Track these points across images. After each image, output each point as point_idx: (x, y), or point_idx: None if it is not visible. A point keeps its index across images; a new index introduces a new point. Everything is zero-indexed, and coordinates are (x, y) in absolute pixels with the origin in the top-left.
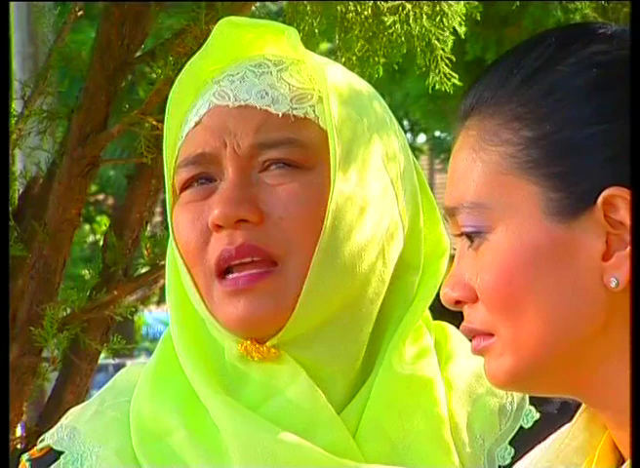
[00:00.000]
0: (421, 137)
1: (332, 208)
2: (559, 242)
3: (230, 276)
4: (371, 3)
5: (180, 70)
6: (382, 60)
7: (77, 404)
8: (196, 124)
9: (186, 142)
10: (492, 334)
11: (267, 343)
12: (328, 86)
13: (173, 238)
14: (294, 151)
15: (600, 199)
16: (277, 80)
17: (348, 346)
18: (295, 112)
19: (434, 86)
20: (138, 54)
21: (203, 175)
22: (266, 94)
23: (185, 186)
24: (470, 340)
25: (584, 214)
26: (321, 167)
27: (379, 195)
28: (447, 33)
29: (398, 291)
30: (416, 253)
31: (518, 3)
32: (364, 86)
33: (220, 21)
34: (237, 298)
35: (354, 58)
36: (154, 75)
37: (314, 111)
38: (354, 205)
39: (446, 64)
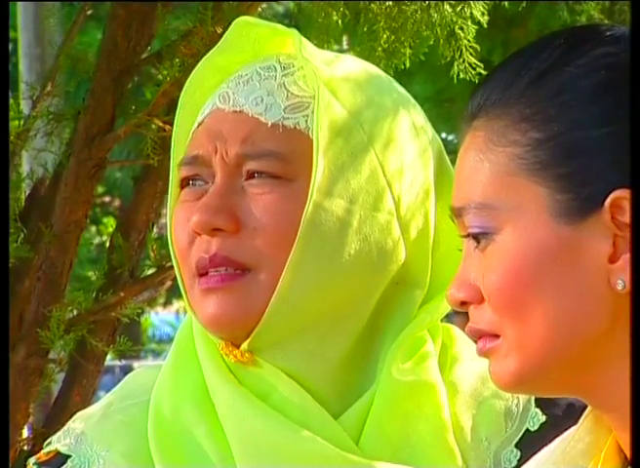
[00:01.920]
0: None
1: (306, 220)
2: (566, 243)
3: (206, 276)
4: None
5: (186, 72)
6: (409, 52)
7: (84, 405)
8: (199, 124)
9: (190, 141)
10: (497, 336)
11: (240, 347)
12: (324, 95)
13: (170, 234)
14: (275, 164)
15: (607, 201)
16: (277, 86)
17: (328, 355)
18: (285, 122)
19: (458, 75)
20: (144, 55)
21: (197, 177)
22: (262, 101)
23: (184, 185)
24: (475, 342)
25: (592, 215)
26: (306, 178)
27: (370, 207)
28: (469, 22)
29: (396, 301)
30: (420, 265)
31: (524, 4)
32: (381, 72)
33: (236, 20)
34: (209, 297)
35: (380, 49)
36: (161, 77)
37: (306, 121)
38: (335, 218)
39: (470, 54)
